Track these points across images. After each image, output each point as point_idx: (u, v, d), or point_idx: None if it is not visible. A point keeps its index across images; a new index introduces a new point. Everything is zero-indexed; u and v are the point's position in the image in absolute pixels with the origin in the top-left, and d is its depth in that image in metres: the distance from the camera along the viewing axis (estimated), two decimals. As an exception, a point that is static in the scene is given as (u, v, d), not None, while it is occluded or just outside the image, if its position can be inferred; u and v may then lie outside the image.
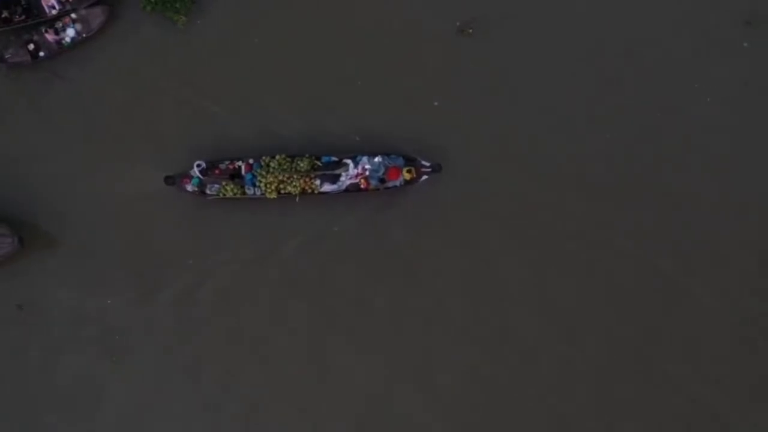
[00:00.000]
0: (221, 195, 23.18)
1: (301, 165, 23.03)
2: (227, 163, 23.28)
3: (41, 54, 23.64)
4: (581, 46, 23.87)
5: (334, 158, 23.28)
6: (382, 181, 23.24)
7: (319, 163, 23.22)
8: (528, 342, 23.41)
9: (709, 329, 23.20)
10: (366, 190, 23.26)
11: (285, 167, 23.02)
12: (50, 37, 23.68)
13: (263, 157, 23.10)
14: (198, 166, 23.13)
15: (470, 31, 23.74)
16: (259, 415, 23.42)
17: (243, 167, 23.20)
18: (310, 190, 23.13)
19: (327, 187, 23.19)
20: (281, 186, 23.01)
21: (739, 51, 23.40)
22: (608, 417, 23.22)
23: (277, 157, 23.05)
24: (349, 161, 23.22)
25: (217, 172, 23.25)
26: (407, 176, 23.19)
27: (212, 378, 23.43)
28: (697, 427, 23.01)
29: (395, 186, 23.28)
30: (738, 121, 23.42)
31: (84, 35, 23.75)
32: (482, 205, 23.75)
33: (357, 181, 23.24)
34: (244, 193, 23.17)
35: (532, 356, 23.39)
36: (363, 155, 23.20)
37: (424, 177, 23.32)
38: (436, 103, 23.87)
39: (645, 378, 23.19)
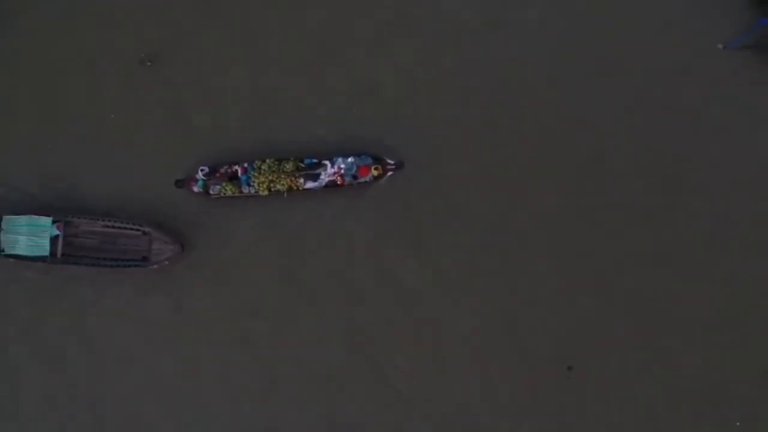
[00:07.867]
0: (222, 194, 27.26)
1: (287, 166, 27.16)
2: (226, 166, 27.38)
3: None
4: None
5: (314, 160, 27.41)
6: (355, 177, 27.31)
7: (302, 164, 27.34)
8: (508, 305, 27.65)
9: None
10: (342, 185, 27.35)
11: (274, 169, 27.12)
12: None
13: (255, 161, 27.21)
14: (202, 170, 27.26)
15: (149, 63, 27.37)
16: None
17: (239, 170, 27.29)
18: (295, 188, 27.19)
19: (310, 185, 27.29)
20: (271, 185, 27.08)
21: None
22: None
23: (267, 160, 27.15)
24: (327, 162, 27.31)
25: (218, 175, 27.37)
26: (375, 173, 27.33)
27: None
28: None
29: (366, 181, 27.44)
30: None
31: None
32: (436, 192, 28.00)
33: (334, 178, 27.27)
34: (241, 191, 27.21)
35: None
36: (338, 156, 27.33)
37: (389, 173, 27.63)
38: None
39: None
